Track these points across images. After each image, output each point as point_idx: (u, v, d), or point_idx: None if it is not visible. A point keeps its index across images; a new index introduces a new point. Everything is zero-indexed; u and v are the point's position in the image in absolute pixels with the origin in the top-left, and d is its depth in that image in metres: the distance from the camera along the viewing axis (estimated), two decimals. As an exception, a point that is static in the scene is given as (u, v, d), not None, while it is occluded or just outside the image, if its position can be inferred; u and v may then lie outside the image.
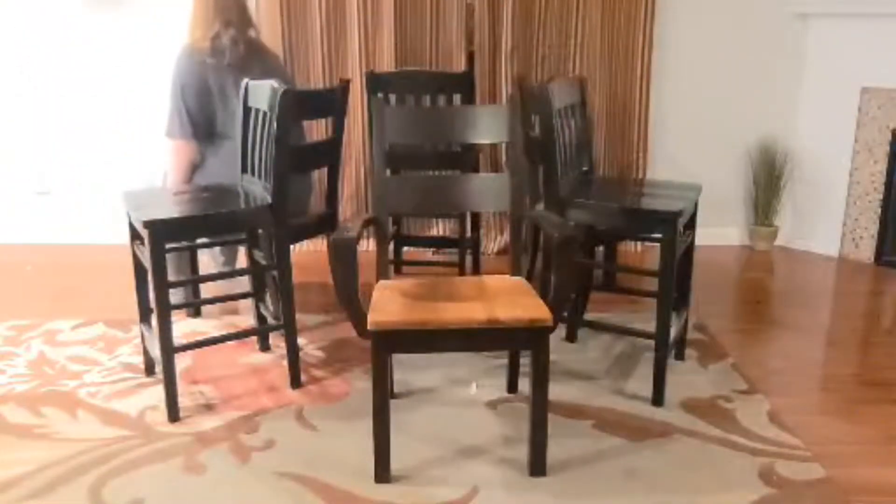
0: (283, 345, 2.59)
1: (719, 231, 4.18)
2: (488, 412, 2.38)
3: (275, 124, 2.36)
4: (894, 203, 3.82)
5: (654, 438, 2.23)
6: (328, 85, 3.91)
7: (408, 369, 2.65)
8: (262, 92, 2.47)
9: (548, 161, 2.45)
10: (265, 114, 2.45)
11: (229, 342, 2.62)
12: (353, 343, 2.84)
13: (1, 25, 3.96)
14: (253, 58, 2.94)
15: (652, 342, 2.42)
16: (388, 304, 2.02)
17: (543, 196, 2.56)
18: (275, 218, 2.42)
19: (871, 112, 3.83)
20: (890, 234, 3.85)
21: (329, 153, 2.85)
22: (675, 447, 2.18)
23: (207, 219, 2.36)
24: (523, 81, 2.88)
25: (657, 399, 2.41)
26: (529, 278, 2.76)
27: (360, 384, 2.55)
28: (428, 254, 3.98)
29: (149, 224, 2.21)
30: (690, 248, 2.63)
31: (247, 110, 2.60)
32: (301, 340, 2.78)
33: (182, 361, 2.67)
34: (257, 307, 2.77)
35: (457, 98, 3.34)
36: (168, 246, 2.30)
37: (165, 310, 2.26)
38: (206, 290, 3.17)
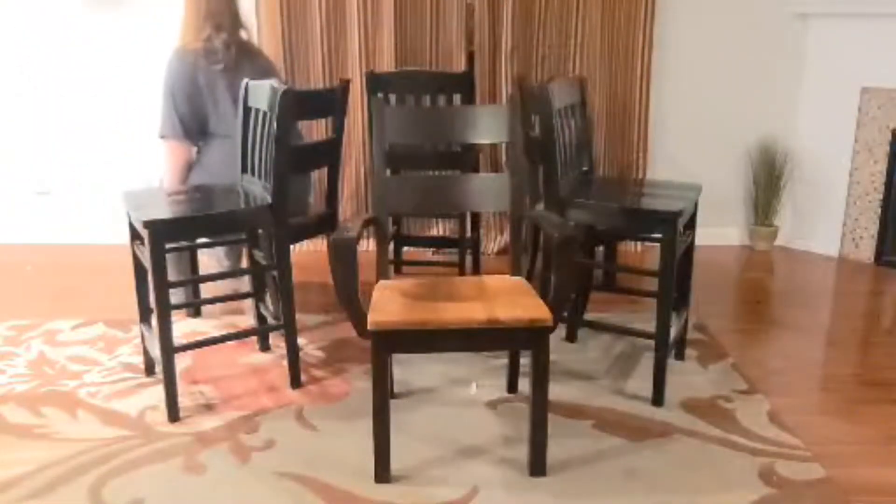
0: (283, 345, 2.59)
1: (719, 231, 4.18)
2: (488, 412, 2.38)
3: (275, 124, 2.36)
4: (894, 203, 3.82)
5: (654, 438, 2.23)
6: (328, 85, 3.91)
7: (408, 369, 2.65)
8: (262, 92, 2.47)
9: (548, 161, 2.45)
10: (265, 114, 2.45)
11: (229, 342, 2.62)
12: (353, 343, 2.84)
13: (1, 25, 3.96)
14: (244, 59, 2.96)
15: (652, 342, 2.42)
16: (388, 304, 2.02)
17: (543, 196, 2.56)
18: (275, 218, 2.43)
19: (871, 112, 3.83)
20: (890, 234, 3.85)
21: (329, 153, 2.85)
22: (675, 447, 2.18)
23: (207, 219, 2.36)
24: (523, 81, 2.88)
25: (657, 399, 2.41)
26: (529, 278, 2.76)
27: (360, 384, 2.55)
28: (428, 254, 3.98)
29: (149, 224, 2.21)
30: (690, 248, 2.63)
31: (247, 110, 2.60)
32: (301, 340, 2.78)
33: (182, 361, 2.67)
34: (257, 307, 2.77)
35: (457, 98, 3.35)
36: (168, 246, 2.30)
37: (165, 310, 2.26)
38: (206, 289, 3.17)
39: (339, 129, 2.82)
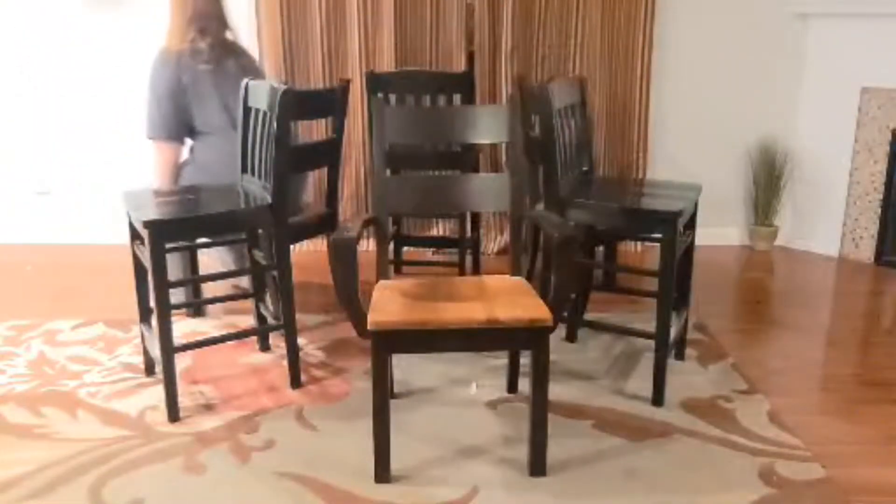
0: (283, 345, 2.59)
1: (719, 231, 4.18)
2: (488, 412, 2.38)
3: (274, 124, 2.36)
4: (894, 203, 3.82)
5: (654, 438, 2.23)
6: (328, 85, 3.91)
7: (408, 369, 2.65)
8: (262, 92, 2.47)
9: (548, 161, 2.45)
10: (265, 113, 2.45)
11: (229, 342, 2.62)
12: (353, 343, 2.84)
13: (1, 25, 3.96)
14: (227, 57, 2.98)
15: (652, 342, 2.42)
16: (388, 304, 2.02)
17: (543, 196, 2.56)
18: (275, 218, 2.42)
19: (871, 112, 3.83)
20: (890, 234, 3.85)
21: (329, 153, 2.85)
22: (675, 447, 2.18)
23: (207, 219, 2.36)
24: (523, 81, 2.88)
25: (657, 399, 2.41)
26: (529, 278, 2.76)
27: (360, 384, 2.55)
28: (428, 254, 3.98)
29: (149, 224, 2.21)
30: (690, 248, 2.63)
31: (246, 110, 2.61)
32: (301, 340, 2.78)
33: (182, 361, 2.67)
34: (257, 307, 2.77)
35: (457, 98, 3.34)
36: (168, 246, 2.30)
37: (165, 310, 2.26)
38: (207, 289, 3.17)
39: (339, 129, 2.82)
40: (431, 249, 4.00)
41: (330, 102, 2.80)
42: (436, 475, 2.04)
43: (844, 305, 3.36)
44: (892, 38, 3.69)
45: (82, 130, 4.08)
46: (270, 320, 2.70)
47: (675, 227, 2.31)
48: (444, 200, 2.31)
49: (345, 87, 2.80)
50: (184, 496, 1.95)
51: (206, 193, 2.63)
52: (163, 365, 2.28)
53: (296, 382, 2.54)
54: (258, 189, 2.53)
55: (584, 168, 2.82)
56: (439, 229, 4.14)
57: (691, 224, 2.64)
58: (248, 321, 2.97)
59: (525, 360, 2.26)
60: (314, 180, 3.89)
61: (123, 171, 4.01)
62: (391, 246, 3.48)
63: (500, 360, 2.67)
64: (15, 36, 3.97)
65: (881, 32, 3.71)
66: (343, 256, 1.91)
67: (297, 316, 2.52)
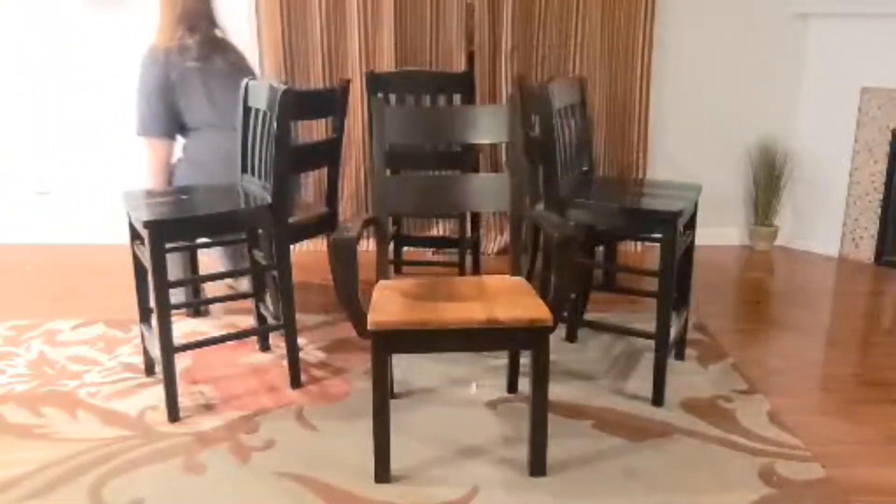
0: (283, 345, 2.59)
1: (719, 231, 4.18)
2: (488, 412, 2.38)
3: (274, 124, 2.36)
4: (894, 203, 3.82)
5: (654, 438, 2.23)
6: (328, 85, 3.91)
7: (408, 369, 2.65)
8: (262, 92, 2.47)
9: (548, 161, 2.45)
10: (265, 113, 2.45)
11: (229, 342, 2.62)
12: (353, 343, 2.84)
13: (1, 25, 3.96)
14: (215, 53, 2.98)
15: (652, 342, 2.42)
16: (388, 304, 2.02)
17: (543, 196, 2.56)
18: (275, 218, 2.42)
19: (871, 112, 3.83)
20: (890, 234, 3.85)
21: (329, 153, 2.85)
22: (675, 447, 2.18)
23: (207, 219, 2.36)
24: (523, 81, 2.88)
25: (657, 399, 2.41)
26: (529, 278, 2.76)
27: (360, 384, 2.55)
28: (428, 254, 3.98)
29: (149, 224, 2.21)
30: (690, 248, 2.63)
31: (246, 110, 2.60)
32: (301, 340, 2.78)
33: (182, 361, 2.67)
34: (257, 307, 2.77)
35: (457, 98, 3.35)
36: (168, 246, 2.30)
37: (165, 310, 2.26)
38: (207, 289, 3.17)
39: (339, 128, 2.82)
40: (431, 249, 4.00)
41: (330, 102, 2.81)
42: (436, 475, 2.04)
43: (844, 305, 3.36)
44: (892, 38, 3.69)
45: (82, 130, 4.08)
46: (270, 320, 2.70)
47: (675, 227, 2.31)
48: (444, 200, 2.31)
49: (345, 87, 2.80)
50: (184, 496, 1.95)
51: (206, 193, 2.63)
52: (163, 365, 2.28)
53: (296, 382, 2.54)
54: (258, 189, 2.53)
55: (584, 168, 2.82)
56: (439, 229, 4.14)
57: (691, 224, 2.64)
58: (248, 321, 2.97)
59: (525, 360, 2.26)
60: (314, 180, 3.89)
61: (123, 171, 4.01)
62: (391, 246, 3.48)
63: (500, 360, 2.67)
64: (15, 36, 3.97)
65: (881, 32, 3.71)
66: (343, 256, 1.91)
67: (297, 316, 2.52)
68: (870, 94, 3.82)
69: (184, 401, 2.40)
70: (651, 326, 2.41)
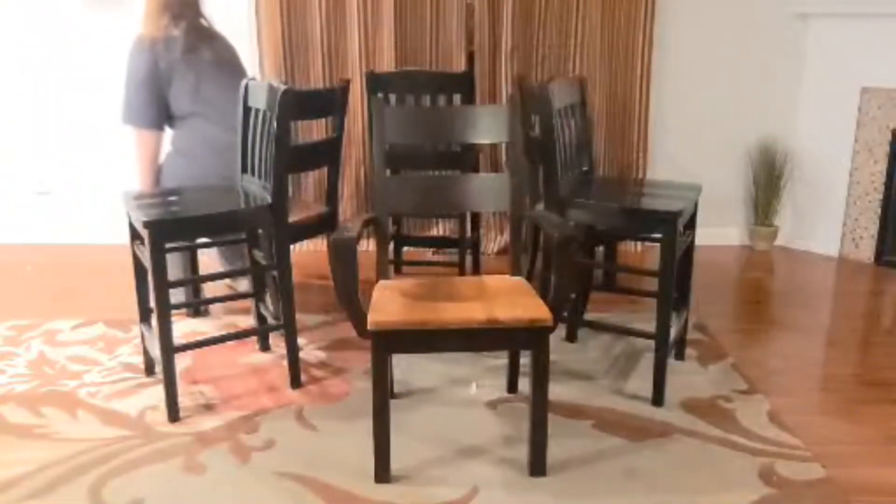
0: (283, 345, 2.59)
1: (719, 231, 4.18)
2: (488, 412, 2.38)
3: (274, 124, 2.36)
4: (894, 203, 3.82)
5: (654, 438, 2.23)
6: (328, 85, 3.91)
7: (408, 369, 2.65)
8: (262, 91, 2.47)
9: (548, 161, 2.45)
10: (265, 113, 2.45)
11: (229, 342, 2.61)
12: (353, 343, 2.84)
13: (1, 25, 3.96)
14: (202, 42, 2.99)
15: (652, 342, 2.42)
16: (388, 304, 2.02)
17: (543, 196, 2.56)
18: (275, 218, 2.42)
19: (871, 112, 3.83)
20: (890, 234, 3.85)
21: (329, 153, 2.85)
22: (675, 447, 2.18)
23: (207, 219, 2.36)
24: (523, 81, 2.88)
25: (657, 399, 2.41)
26: (529, 278, 2.76)
27: (360, 384, 2.55)
28: (428, 254, 3.98)
29: (149, 224, 2.21)
30: (690, 248, 2.63)
31: (246, 110, 2.60)
32: (301, 340, 2.78)
33: (182, 361, 2.67)
34: (257, 307, 2.77)
35: (457, 98, 3.35)
36: (168, 246, 2.30)
37: (165, 310, 2.26)
38: (207, 289, 3.17)
39: (339, 128, 2.82)
40: (431, 249, 4.00)
41: (330, 102, 2.81)
42: (436, 475, 2.04)
43: (844, 305, 3.36)
44: (892, 38, 3.69)
45: (82, 130, 4.08)
46: (270, 320, 2.70)
47: (675, 227, 2.31)
48: (444, 200, 2.31)
49: (345, 86, 2.80)
50: (184, 496, 1.95)
51: (206, 193, 2.63)
52: (163, 365, 2.28)
53: (296, 382, 2.54)
54: (258, 189, 2.53)
55: (584, 168, 2.82)
56: (439, 229, 4.14)
57: (691, 224, 2.64)
58: (248, 321, 2.97)
59: (525, 360, 2.25)
60: (314, 180, 3.90)
61: (123, 171, 4.00)
62: (391, 246, 3.48)
63: (500, 360, 2.67)
64: (15, 36, 3.97)
65: (881, 32, 3.71)
66: (343, 256, 1.91)
67: (297, 316, 2.52)
68: (870, 94, 3.82)
69: (184, 401, 2.40)
70: (651, 326, 2.41)
